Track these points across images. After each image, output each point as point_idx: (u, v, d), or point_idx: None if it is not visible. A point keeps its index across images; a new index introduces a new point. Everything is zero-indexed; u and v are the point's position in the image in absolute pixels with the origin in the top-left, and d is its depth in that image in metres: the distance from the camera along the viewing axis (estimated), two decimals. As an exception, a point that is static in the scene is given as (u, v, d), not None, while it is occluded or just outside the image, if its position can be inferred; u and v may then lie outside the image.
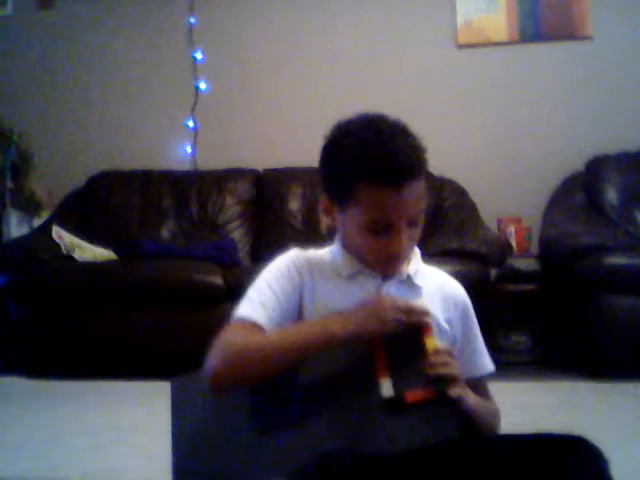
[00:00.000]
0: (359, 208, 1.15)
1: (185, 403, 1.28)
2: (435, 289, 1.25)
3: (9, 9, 4.23)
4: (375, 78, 3.94)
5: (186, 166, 4.06)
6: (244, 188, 3.85)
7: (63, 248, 3.42)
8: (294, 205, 3.71)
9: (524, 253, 3.47)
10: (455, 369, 1.11)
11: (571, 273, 2.98)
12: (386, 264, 1.19)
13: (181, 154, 4.08)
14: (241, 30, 4.05)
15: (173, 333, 3.13)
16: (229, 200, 3.82)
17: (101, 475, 1.96)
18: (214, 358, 1.13)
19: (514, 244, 3.47)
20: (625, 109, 3.72)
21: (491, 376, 1.30)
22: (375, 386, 1.08)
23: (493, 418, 1.25)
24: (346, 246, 1.23)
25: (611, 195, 3.48)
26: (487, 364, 1.30)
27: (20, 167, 3.96)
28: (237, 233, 3.75)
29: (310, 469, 1.04)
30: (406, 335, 1.11)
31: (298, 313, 1.19)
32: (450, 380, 1.10)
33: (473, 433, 1.18)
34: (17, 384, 3.10)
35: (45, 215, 3.90)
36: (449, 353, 1.12)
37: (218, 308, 3.08)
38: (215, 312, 3.08)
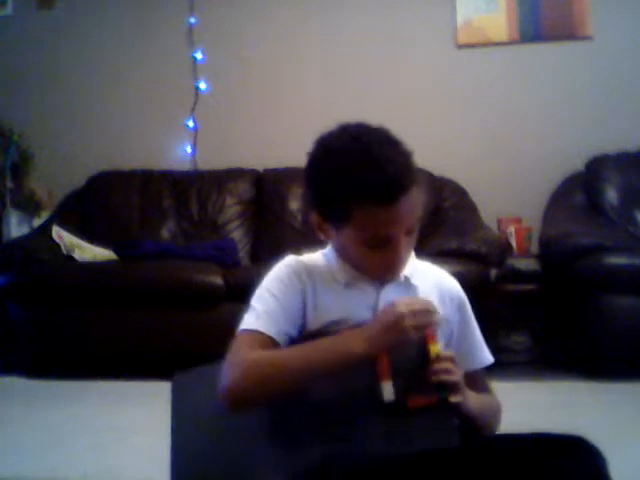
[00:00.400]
0: (355, 227, 1.13)
1: (186, 399, 1.28)
2: (431, 286, 1.24)
3: (9, 9, 4.23)
4: (375, 78, 3.94)
5: (186, 166, 4.06)
6: (244, 188, 3.85)
7: (63, 248, 3.42)
8: (294, 205, 3.71)
9: (524, 253, 3.47)
10: (457, 376, 1.10)
11: (571, 273, 2.98)
12: (386, 274, 1.18)
13: (181, 154, 4.07)
14: (241, 30, 4.05)
15: (173, 333, 3.13)
16: (229, 200, 3.82)
17: (101, 475, 1.96)
18: (230, 375, 1.10)
19: (514, 244, 3.47)
20: (625, 109, 3.72)
21: (490, 367, 1.30)
22: (376, 389, 1.07)
23: (494, 417, 1.25)
24: (341, 255, 1.21)
25: (611, 195, 3.48)
26: (486, 356, 1.29)
27: (20, 167, 3.96)
28: (237, 233, 3.75)
29: (311, 471, 1.04)
30: (410, 343, 1.11)
31: (302, 320, 1.17)
32: (452, 387, 1.09)
33: (473, 437, 1.18)
34: (17, 384, 3.10)
35: (45, 215, 3.90)
36: (451, 360, 1.11)
37: (218, 308, 3.09)
38: (215, 312, 3.10)
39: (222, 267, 3.24)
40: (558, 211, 3.51)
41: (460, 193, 3.68)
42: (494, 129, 3.84)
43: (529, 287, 3.36)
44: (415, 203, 1.14)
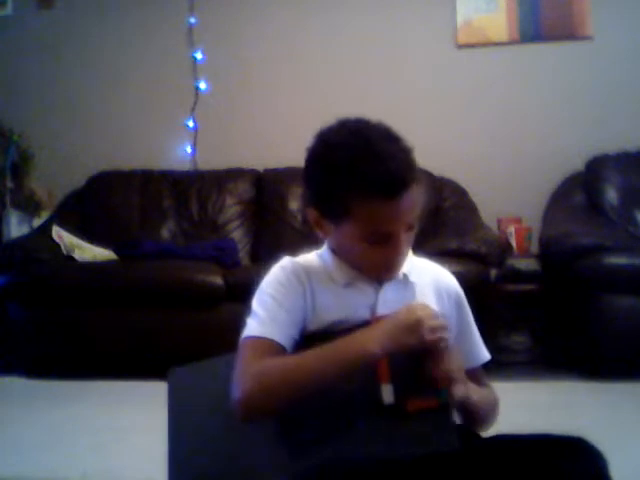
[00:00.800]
0: (355, 222, 1.12)
1: (182, 395, 1.28)
2: (428, 283, 1.24)
3: (9, 9, 4.23)
4: (375, 78, 3.94)
5: (186, 166, 4.06)
6: (244, 188, 3.85)
7: (63, 248, 3.42)
8: (294, 205, 3.71)
9: (524, 253, 3.47)
10: (458, 369, 1.10)
11: (571, 273, 2.98)
12: (385, 272, 1.17)
13: (181, 154, 4.08)
14: (241, 30, 4.05)
15: (173, 333, 3.13)
16: (229, 200, 3.82)
17: (101, 475, 1.96)
18: (241, 386, 1.08)
19: (514, 244, 3.47)
20: (625, 109, 3.72)
21: (490, 368, 1.30)
22: (376, 391, 1.07)
23: (492, 410, 1.24)
24: (338, 254, 1.21)
25: (611, 195, 3.48)
26: (483, 353, 1.29)
27: (20, 167, 3.96)
28: (237, 233, 3.75)
29: (310, 473, 1.04)
30: None
31: (303, 323, 1.16)
32: (453, 380, 1.08)
33: (472, 437, 1.18)
34: (17, 384, 3.10)
35: (45, 215, 3.90)
36: (453, 352, 1.10)
37: (218, 308, 3.09)
38: (215, 312, 3.10)
39: (222, 267, 3.24)
40: (558, 211, 3.51)
41: (460, 193, 3.68)
42: (494, 129, 3.84)
43: (529, 287, 3.35)
44: (415, 200, 1.14)
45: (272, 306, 1.15)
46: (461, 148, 3.83)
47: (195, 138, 4.07)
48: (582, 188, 3.58)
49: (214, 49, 4.06)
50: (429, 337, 1.06)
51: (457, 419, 1.17)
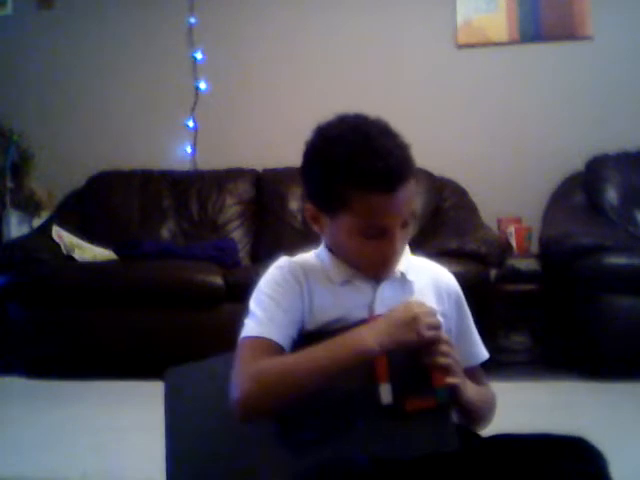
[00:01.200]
0: (352, 216, 1.13)
1: (180, 393, 1.28)
2: (427, 282, 1.24)
3: (9, 9, 4.23)
4: (375, 78, 3.94)
5: (186, 166, 4.06)
6: (244, 188, 3.85)
7: (63, 248, 3.42)
8: (294, 205, 3.71)
9: (524, 253, 3.47)
10: (453, 358, 1.09)
11: (571, 273, 2.98)
12: (381, 268, 1.17)
13: (181, 154, 4.08)
14: (241, 30, 4.05)
15: (173, 333, 3.13)
16: (229, 200, 3.82)
17: (101, 475, 1.96)
18: (240, 387, 1.08)
19: (514, 244, 3.47)
20: (625, 109, 3.72)
21: (490, 367, 1.30)
22: (374, 391, 1.07)
23: (490, 408, 1.24)
24: (335, 252, 1.21)
25: (611, 195, 3.48)
26: (482, 352, 1.29)
27: (20, 167, 3.96)
28: (237, 233, 3.75)
29: (310, 473, 1.04)
30: None
31: (301, 323, 1.16)
32: (449, 370, 1.08)
33: (471, 437, 1.18)
34: (17, 384, 3.10)
35: (45, 215, 3.90)
36: (447, 342, 1.10)
37: (218, 308, 3.09)
38: (215, 312, 3.10)
39: (222, 267, 3.24)
40: (558, 211, 3.51)
41: (460, 193, 3.68)
42: (494, 129, 3.84)
43: (529, 287, 3.35)
44: (412, 195, 1.15)
45: (270, 306, 1.15)
46: (461, 148, 3.83)
47: (195, 138, 4.07)
48: (582, 188, 3.58)
49: (214, 49, 4.06)
50: (426, 333, 1.06)
51: (455, 418, 1.17)
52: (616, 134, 3.65)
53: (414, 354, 1.09)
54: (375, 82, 3.94)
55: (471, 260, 3.00)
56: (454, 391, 1.10)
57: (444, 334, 1.10)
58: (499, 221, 3.61)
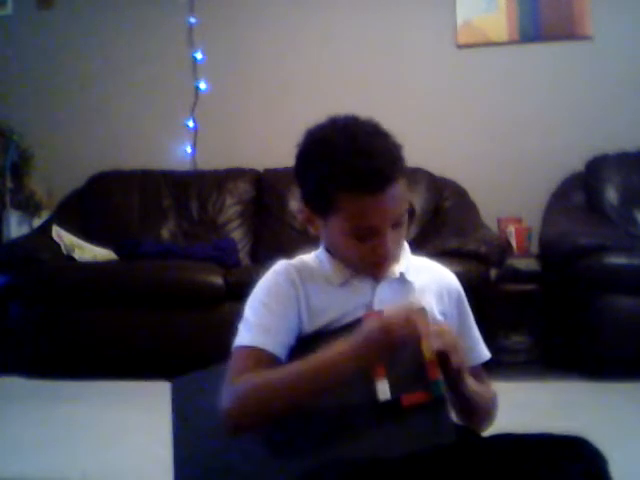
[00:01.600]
0: (341, 217, 1.13)
1: (186, 404, 1.27)
2: (428, 282, 1.23)
3: (9, 9, 4.23)
4: (375, 78, 3.94)
5: (186, 166, 4.06)
6: (244, 188, 3.85)
7: (63, 248, 3.42)
8: (294, 205, 3.70)
9: (524, 253, 3.47)
10: (452, 339, 1.08)
11: (571, 273, 2.98)
12: (375, 268, 1.17)
13: (181, 154, 4.08)
14: (241, 30, 4.05)
15: (173, 333, 3.13)
16: (229, 200, 3.82)
17: (101, 475, 1.96)
18: (229, 400, 1.09)
19: (514, 244, 3.47)
20: (625, 109, 3.72)
21: (491, 368, 1.30)
22: (371, 387, 1.07)
23: (490, 407, 1.24)
24: (332, 253, 1.21)
25: (611, 195, 3.48)
26: (483, 351, 1.29)
27: (20, 167, 3.96)
28: (237, 233, 3.75)
29: (310, 473, 1.04)
30: None
31: (299, 327, 1.16)
32: (449, 351, 1.07)
33: (471, 433, 1.18)
34: (17, 384, 3.10)
35: (45, 215, 3.90)
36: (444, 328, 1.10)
37: (218, 308, 3.09)
38: (215, 312, 3.09)
39: (222, 267, 3.24)
40: (558, 211, 3.51)
41: (460, 193, 3.68)
42: (494, 129, 3.84)
43: (529, 287, 3.35)
44: (402, 195, 1.14)
45: (263, 314, 1.16)
46: (461, 148, 3.83)
47: (195, 138, 4.07)
48: (582, 188, 3.58)
49: (214, 49, 4.06)
50: (400, 333, 1.03)
51: (456, 418, 1.18)
52: (616, 134, 3.65)
53: (409, 350, 1.09)
54: (375, 82, 3.94)
55: (471, 260, 3.00)
56: (455, 376, 1.09)
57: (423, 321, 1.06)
58: (499, 221, 3.61)
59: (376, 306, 1.16)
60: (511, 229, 3.51)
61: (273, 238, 3.64)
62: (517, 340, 3.32)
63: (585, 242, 2.98)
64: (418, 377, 1.08)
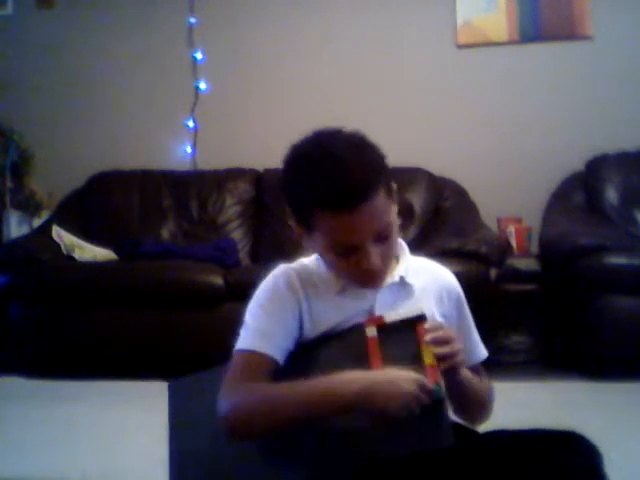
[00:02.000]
0: (320, 233, 1.12)
1: (182, 406, 1.27)
2: (427, 283, 1.23)
3: (9, 9, 4.23)
4: (375, 78, 3.94)
5: (186, 166, 4.06)
6: (244, 188, 3.85)
7: (63, 248, 3.42)
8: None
9: (524, 253, 3.47)
10: (452, 344, 1.09)
11: (571, 273, 2.98)
12: (364, 282, 1.16)
13: (181, 154, 4.08)
14: (241, 30, 4.05)
15: (173, 333, 3.13)
16: (229, 200, 3.82)
17: (101, 475, 1.96)
18: (228, 406, 1.08)
19: (514, 244, 3.47)
20: (625, 109, 3.72)
21: (491, 368, 1.30)
22: None
23: (486, 397, 1.25)
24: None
25: (611, 195, 3.48)
26: (481, 351, 1.29)
27: (20, 167, 3.96)
28: (237, 233, 3.75)
29: (310, 475, 1.04)
30: (403, 340, 1.11)
31: (299, 332, 1.16)
32: (449, 355, 1.08)
33: (465, 432, 1.18)
34: (17, 384, 3.09)
35: (45, 215, 3.90)
36: (442, 329, 1.10)
37: (218, 308, 3.09)
38: (215, 312, 3.09)
39: (222, 267, 3.24)
40: (558, 211, 3.51)
41: (460, 193, 3.68)
42: (494, 129, 3.84)
43: (529, 287, 3.35)
44: (381, 211, 1.11)
45: (264, 318, 1.15)
46: (461, 148, 3.83)
47: (195, 138, 4.07)
48: (582, 188, 3.58)
49: (214, 49, 4.06)
50: (413, 401, 1.03)
51: (453, 413, 1.18)
52: (616, 134, 3.65)
53: (408, 353, 1.09)
54: (375, 82, 3.94)
55: (471, 260, 3.00)
56: (453, 375, 1.10)
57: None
58: (499, 221, 3.61)
59: (377, 311, 1.16)
60: (511, 229, 3.51)
61: (273, 238, 3.64)
62: (517, 340, 3.32)
63: (585, 242, 2.98)
64: None
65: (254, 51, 4.04)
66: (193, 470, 1.24)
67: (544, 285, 3.32)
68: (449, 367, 1.08)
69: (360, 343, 1.11)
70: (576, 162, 3.63)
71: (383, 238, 1.12)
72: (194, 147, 4.07)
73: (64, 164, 4.06)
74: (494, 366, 1.32)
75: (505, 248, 3.32)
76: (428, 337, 1.08)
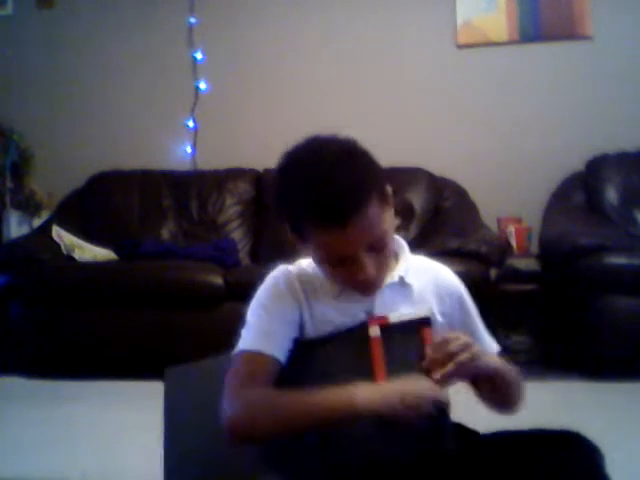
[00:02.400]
0: (313, 245, 1.12)
1: (179, 393, 1.28)
2: (427, 283, 1.22)
3: (9, 9, 4.23)
4: (375, 78, 3.94)
5: (186, 166, 4.06)
6: (244, 188, 3.85)
7: (63, 248, 3.42)
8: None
9: (524, 253, 3.47)
10: (469, 347, 1.09)
11: (571, 273, 2.98)
12: (361, 289, 1.15)
13: (181, 154, 4.08)
14: (241, 30, 4.05)
15: (173, 333, 3.13)
16: (229, 200, 3.82)
17: (101, 475, 1.96)
18: (233, 409, 1.08)
19: (514, 244, 3.47)
20: (625, 109, 3.72)
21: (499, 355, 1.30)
22: None
23: (521, 384, 1.26)
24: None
25: (611, 195, 3.48)
26: (491, 345, 1.29)
27: (20, 167, 3.96)
28: (237, 233, 3.75)
29: (310, 473, 1.04)
30: (406, 342, 1.10)
31: (300, 332, 1.15)
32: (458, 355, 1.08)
33: (466, 433, 1.18)
34: (17, 384, 3.10)
35: (45, 215, 3.90)
36: (447, 342, 1.09)
37: (218, 308, 3.09)
38: (215, 312, 3.10)
39: (222, 267, 3.24)
40: (558, 211, 3.51)
41: (460, 193, 3.68)
42: (494, 129, 3.84)
43: (529, 287, 3.35)
44: (373, 223, 1.08)
45: (266, 319, 1.15)
46: (461, 148, 3.83)
47: (195, 138, 4.07)
48: (582, 188, 3.58)
49: (214, 49, 4.06)
50: (427, 412, 1.04)
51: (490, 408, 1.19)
52: (616, 134, 3.65)
53: (412, 355, 1.08)
54: (375, 82, 3.94)
55: (471, 260, 3.00)
56: (478, 375, 1.12)
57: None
58: (499, 221, 3.61)
59: (377, 311, 1.15)
60: (511, 229, 3.51)
61: (273, 238, 3.64)
62: (517, 340, 3.32)
63: (585, 242, 2.98)
64: None
65: (254, 51, 4.04)
66: (188, 460, 1.24)
67: (544, 285, 3.32)
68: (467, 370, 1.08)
69: (363, 342, 1.10)
70: (576, 162, 3.63)
71: (378, 248, 1.11)
72: (194, 147, 4.07)
73: (64, 164, 4.06)
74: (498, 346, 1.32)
75: (505, 248, 3.32)
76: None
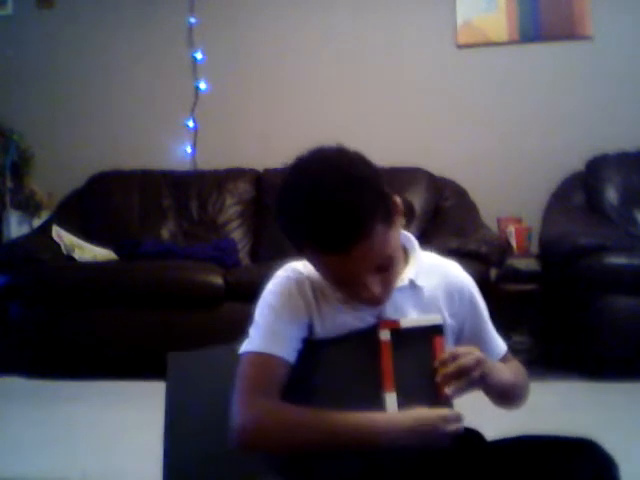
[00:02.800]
0: (314, 265, 1.10)
1: (180, 379, 1.28)
2: (437, 284, 1.20)
3: (9, 9, 4.23)
4: (375, 78, 3.94)
5: (186, 166, 4.06)
6: (244, 188, 3.85)
7: (63, 248, 3.42)
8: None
9: (524, 253, 3.47)
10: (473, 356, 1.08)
11: (571, 273, 2.98)
12: (368, 305, 1.12)
13: (181, 154, 4.08)
14: (241, 30, 4.05)
15: (173, 333, 3.13)
16: (229, 200, 3.82)
17: (101, 475, 1.96)
18: (243, 417, 1.06)
19: (514, 244, 3.47)
20: (625, 109, 3.72)
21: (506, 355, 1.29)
22: (379, 399, 1.06)
23: (525, 385, 1.24)
24: None
25: (611, 195, 3.48)
26: (500, 346, 1.26)
27: (20, 167, 3.96)
28: (237, 233, 3.75)
29: (309, 473, 1.04)
30: (416, 348, 1.09)
31: (309, 332, 1.13)
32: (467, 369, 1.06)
33: (477, 439, 1.17)
34: (17, 384, 3.10)
35: (45, 215, 3.90)
36: (457, 356, 1.07)
37: (218, 308, 3.09)
38: (215, 312, 3.10)
39: (222, 267, 3.24)
40: (558, 211, 3.51)
41: (460, 193, 3.68)
42: (494, 129, 3.84)
43: (529, 287, 3.35)
44: (378, 247, 1.04)
45: (274, 319, 1.13)
46: (461, 148, 3.83)
47: (195, 138, 4.07)
48: (582, 188, 3.58)
49: (214, 49, 4.06)
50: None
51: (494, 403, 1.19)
52: (616, 134, 3.65)
53: (421, 362, 1.08)
54: (375, 82, 3.94)
55: (471, 260, 2.99)
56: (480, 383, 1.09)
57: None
58: (499, 221, 3.61)
59: (387, 315, 1.13)
60: (511, 229, 3.51)
61: (273, 238, 3.63)
62: (517, 340, 3.32)
63: (585, 242, 2.98)
64: (428, 393, 1.06)
65: (254, 51, 4.04)
66: (189, 449, 1.24)
67: (544, 285, 3.31)
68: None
69: (372, 345, 1.09)
70: (576, 162, 3.63)
71: (384, 267, 1.08)
72: (194, 147, 4.07)
73: (64, 164, 4.06)
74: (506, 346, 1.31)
75: (505, 248, 3.32)
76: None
